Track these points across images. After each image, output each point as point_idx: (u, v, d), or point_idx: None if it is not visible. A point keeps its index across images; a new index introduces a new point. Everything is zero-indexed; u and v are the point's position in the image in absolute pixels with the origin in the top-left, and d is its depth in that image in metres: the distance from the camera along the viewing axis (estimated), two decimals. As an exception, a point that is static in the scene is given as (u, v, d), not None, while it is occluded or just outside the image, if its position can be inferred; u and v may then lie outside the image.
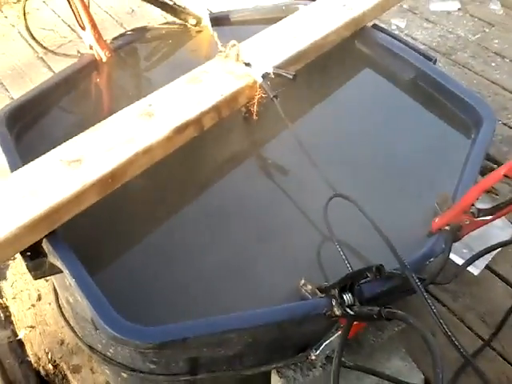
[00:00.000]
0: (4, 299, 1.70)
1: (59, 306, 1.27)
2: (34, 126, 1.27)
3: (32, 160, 1.05)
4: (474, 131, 1.31)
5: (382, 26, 1.58)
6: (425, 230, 1.08)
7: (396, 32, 2.66)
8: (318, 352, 0.99)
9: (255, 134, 1.37)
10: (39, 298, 1.67)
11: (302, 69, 1.37)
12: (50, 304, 1.63)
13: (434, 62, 1.48)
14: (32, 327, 1.60)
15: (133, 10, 2.88)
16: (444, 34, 2.77)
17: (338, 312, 0.90)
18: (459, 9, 2.91)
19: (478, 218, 1.02)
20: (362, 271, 0.87)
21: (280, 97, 1.20)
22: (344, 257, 1.01)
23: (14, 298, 1.68)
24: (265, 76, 1.21)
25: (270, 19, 1.53)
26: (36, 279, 1.01)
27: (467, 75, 2.50)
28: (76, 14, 1.36)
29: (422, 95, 1.44)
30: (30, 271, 0.99)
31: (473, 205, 1.02)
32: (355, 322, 0.92)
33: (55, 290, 1.31)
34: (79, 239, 1.01)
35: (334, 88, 1.48)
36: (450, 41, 2.72)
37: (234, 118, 1.29)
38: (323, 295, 0.95)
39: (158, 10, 1.59)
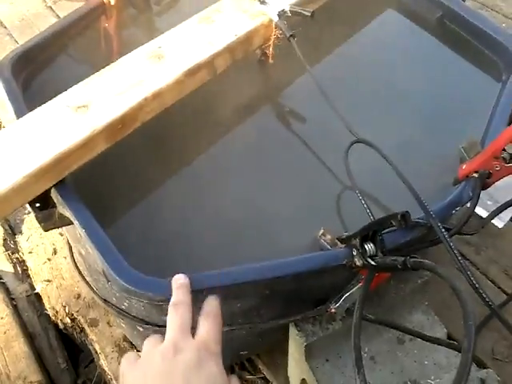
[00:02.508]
0: (20, 253, 1.70)
1: (73, 260, 1.25)
2: (40, 72, 1.22)
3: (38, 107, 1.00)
4: (505, 73, 1.24)
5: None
6: (451, 178, 1.02)
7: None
8: (337, 305, 0.95)
9: (271, 79, 1.30)
10: (55, 252, 1.66)
11: (321, 7, 1.29)
12: (65, 258, 1.63)
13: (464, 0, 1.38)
14: (49, 281, 1.60)
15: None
16: (471, -27, 2.61)
17: (359, 262, 0.86)
18: None
19: (510, 164, 0.96)
20: (385, 219, 0.82)
21: (297, 37, 1.13)
22: (365, 205, 0.96)
23: (30, 252, 1.68)
24: (281, 14, 1.14)
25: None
26: (46, 231, 0.98)
27: (495, 18, 2.38)
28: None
29: (449, 35, 1.35)
30: (39, 222, 0.96)
31: (504, 149, 0.96)
32: (377, 274, 0.87)
33: (69, 243, 1.29)
34: (89, 189, 0.98)
35: (355, 29, 1.40)
36: (478, -20, 2.57)
37: (248, 62, 1.22)
38: (343, 245, 0.90)
39: None
